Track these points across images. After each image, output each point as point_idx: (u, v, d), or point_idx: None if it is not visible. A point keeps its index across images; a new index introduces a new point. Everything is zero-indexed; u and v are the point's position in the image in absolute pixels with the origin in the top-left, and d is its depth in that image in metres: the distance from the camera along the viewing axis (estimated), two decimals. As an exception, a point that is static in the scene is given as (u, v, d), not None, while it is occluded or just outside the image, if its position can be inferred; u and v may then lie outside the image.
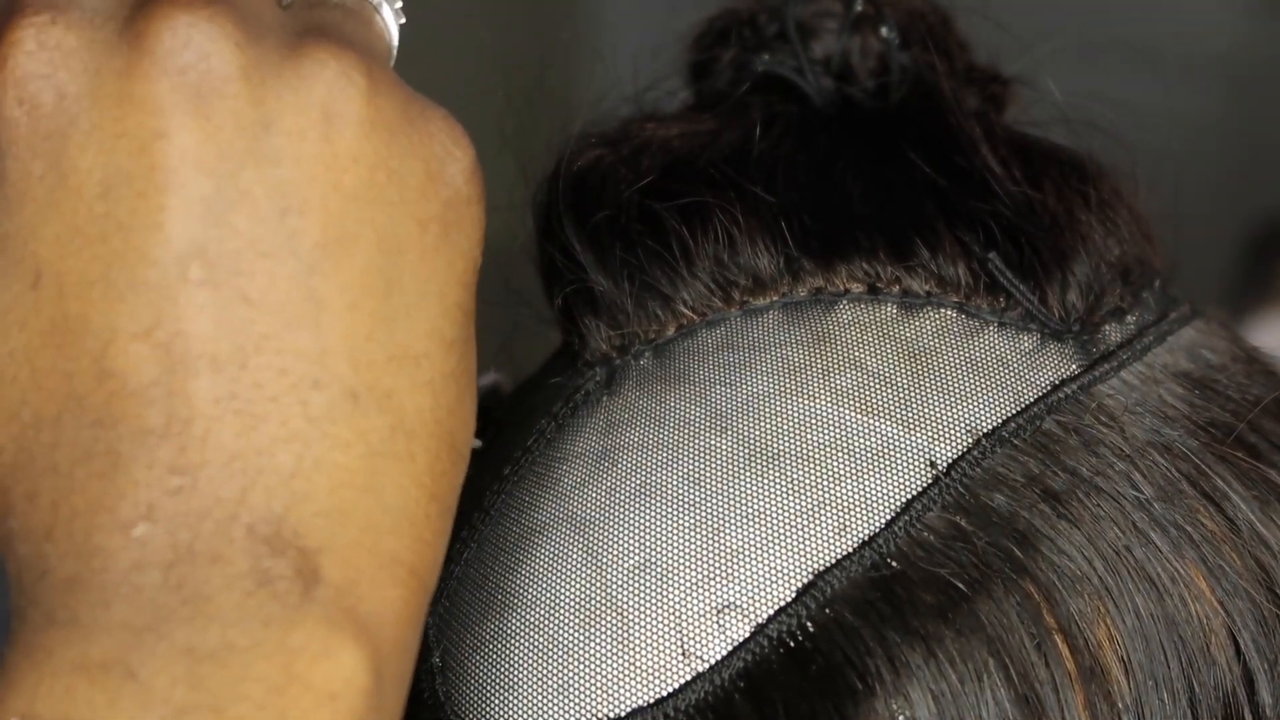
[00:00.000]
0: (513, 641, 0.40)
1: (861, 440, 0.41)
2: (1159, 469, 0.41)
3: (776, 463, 0.40)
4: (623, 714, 0.39)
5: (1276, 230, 1.48)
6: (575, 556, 0.40)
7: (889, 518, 0.39)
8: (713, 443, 0.41)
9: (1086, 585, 0.39)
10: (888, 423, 0.41)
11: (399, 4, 0.39)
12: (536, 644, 0.40)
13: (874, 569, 0.39)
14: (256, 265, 0.33)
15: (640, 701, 0.38)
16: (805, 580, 0.39)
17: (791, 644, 0.38)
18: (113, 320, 0.32)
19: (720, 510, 0.40)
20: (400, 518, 0.34)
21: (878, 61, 0.51)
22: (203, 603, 0.31)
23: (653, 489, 0.41)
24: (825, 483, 0.40)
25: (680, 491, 0.40)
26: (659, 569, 0.40)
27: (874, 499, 0.40)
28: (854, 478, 0.40)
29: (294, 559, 0.32)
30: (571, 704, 0.39)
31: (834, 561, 0.39)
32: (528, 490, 0.43)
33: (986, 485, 0.40)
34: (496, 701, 0.40)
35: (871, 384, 0.41)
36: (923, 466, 0.40)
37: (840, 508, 0.40)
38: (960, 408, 0.41)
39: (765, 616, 0.39)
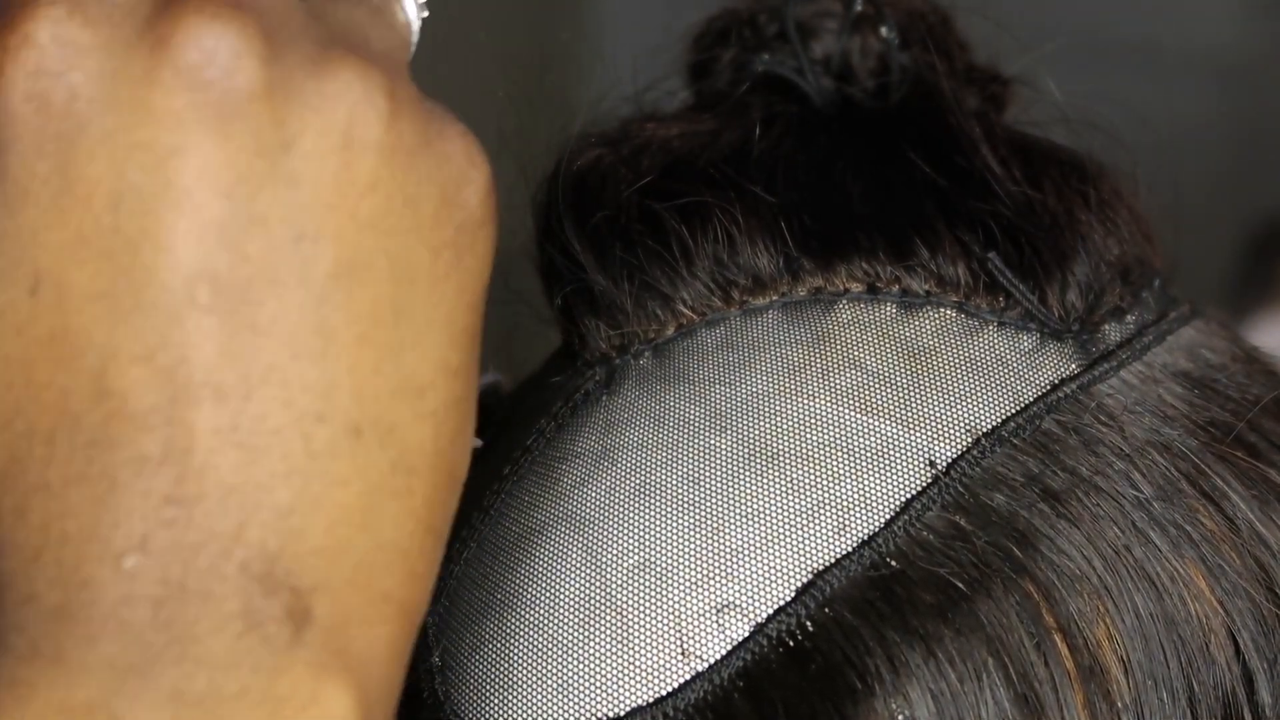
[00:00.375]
0: (512, 641, 0.40)
1: (861, 440, 0.41)
2: (1158, 468, 0.41)
3: (776, 462, 0.40)
4: (622, 713, 0.39)
5: (1276, 230, 1.48)
6: (575, 556, 0.40)
7: (888, 517, 0.40)
8: (712, 442, 0.41)
9: (1086, 585, 0.39)
10: (887, 422, 0.41)
11: None
12: (536, 643, 0.40)
13: (873, 568, 0.39)
14: (266, 293, 0.32)
15: (640, 701, 0.39)
16: (805, 580, 0.39)
17: (791, 643, 0.38)
18: (115, 339, 0.31)
19: (720, 510, 0.40)
20: (394, 554, 0.33)
21: (878, 61, 0.51)
22: (191, 644, 0.31)
23: (652, 488, 0.41)
24: (825, 482, 0.40)
25: (680, 491, 0.40)
26: (658, 568, 0.40)
27: (873, 498, 0.40)
28: (853, 477, 0.40)
29: (285, 599, 0.31)
30: (571, 703, 0.39)
31: (833, 561, 0.39)
32: (527, 490, 0.43)
33: (986, 485, 0.40)
34: (496, 701, 0.40)
35: (871, 384, 0.42)
36: (922, 466, 0.40)
37: (840, 507, 0.40)
38: (960, 407, 0.41)
39: (765, 616, 0.39)
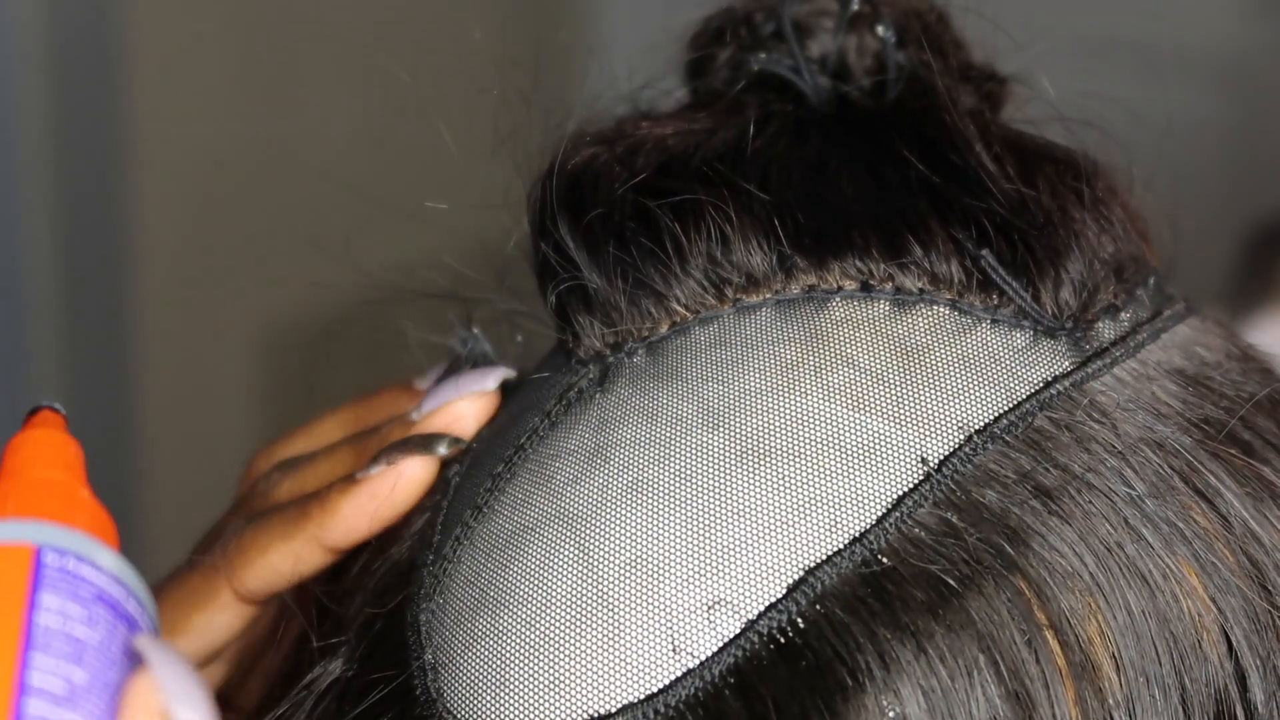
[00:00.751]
0: (504, 638, 0.40)
1: (853, 436, 0.41)
2: (1151, 465, 0.41)
3: (768, 459, 0.40)
4: (613, 710, 0.39)
5: (1276, 230, 1.48)
6: (567, 553, 0.41)
7: (880, 514, 0.40)
8: (704, 440, 0.41)
9: (1078, 582, 0.39)
10: (879, 419, 0.41)
11: None
12: (528, 641, 0.40)
13: (864, 565, 0.39)
14: None
15: (630, 698, 0.38)
16: (796, 576, 0.39)
17: (782, 640, 0.38)
18: None
19: (711, 507, 0.40)
20: None
21: (874, 60, 0.51)
22: None
23: (644, 486, 0.41)
24: (816, 479, 0.40)
25: (671, 488, 0.40)
26: (650, 565, 0.40)
27: (865, 495, 0.40)
28: (845, 474, 0.40)
29: None
30: (562, 700, 0.39)
31: (824, 558, 0.39)
32: (520, 487, 0.43)
33: (978, 482, 0.40)
34: (488, 698, 0.40)
35: (864, 381, 0.42)
36: (914, 463, 0.40)
37: (831, 504, 0.40)
38: (952, 404, 0.41)
39: (755, 613, 0.39)
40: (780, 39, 0.52)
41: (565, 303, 0.45)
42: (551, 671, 0.39)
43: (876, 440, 0.41)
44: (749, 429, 0.41)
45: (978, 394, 0.42)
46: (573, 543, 0.41)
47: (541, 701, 0.39)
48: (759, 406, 0.41)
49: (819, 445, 0.40)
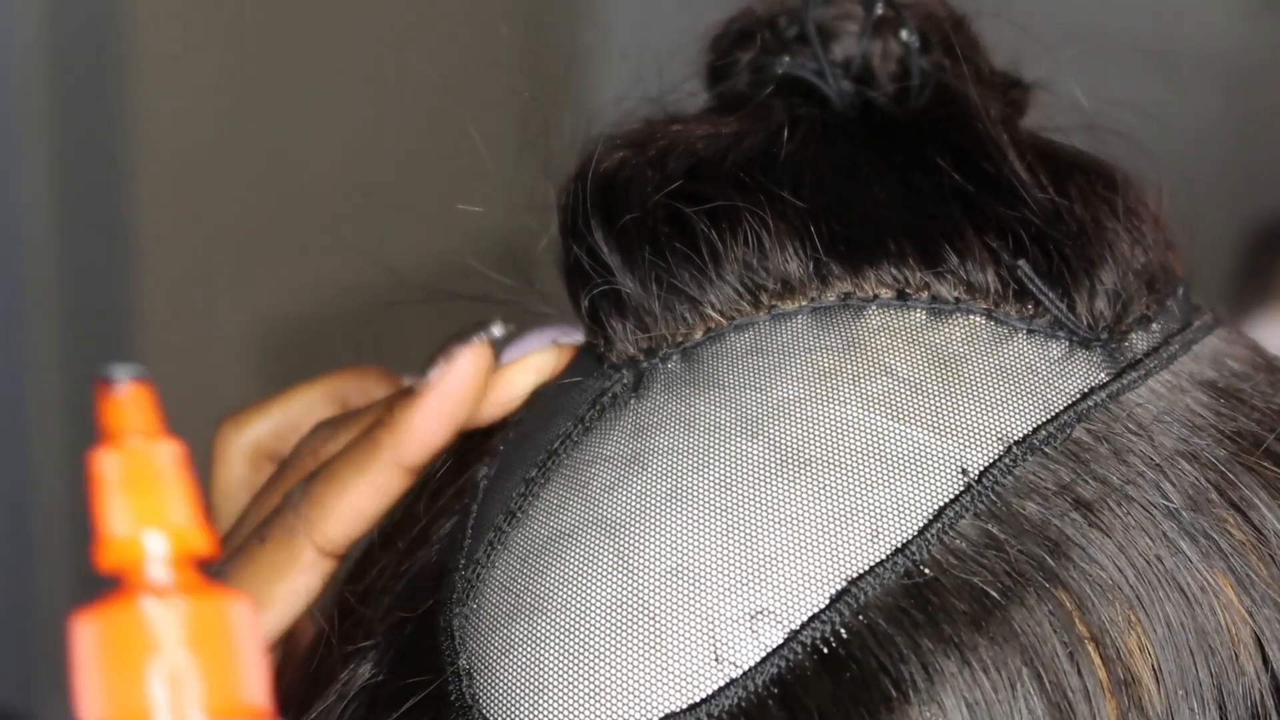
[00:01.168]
0: (543, 645, 0.40)
1: (893, 446, 0.41)
2: (1187, 478, 0.41)
3: (808, 468, 0.40)
4: (654, 719, 0.38)
5: (1276, 230, 1.49)
6: (606, 560, 0.40)
7: (922, 524, 0.39)
8: (743, 448, 0.41)
9: (1118, 594, 0.39)
10: (919, 429, 0.41)
11: None
12: (567, 647, 0.40)
13: (907, 576, 0.39)
14: None
15: (673, 707, 0.38)
16: (839, 586, 0.39)
17: (825, 650, 0.38)
18: None
19: (752, 515, 0.40)
20: None
21: (898, 65, 0.51)
22: None
23: (684, 493, 0.41)
24: (857, 489, 0.40)
25: (712, 496, 0.40)
26: (691, 574, 0.39)
27: (906, 505, 0.40)
28: (886, 484, 0.40)
29: None
30: (603, 708, 0.39)
31: (867, 568, 0.39)
32: (555, 493, 0.43)
33: (1018, 493, 0.40)
34: (526, 705, 0.40)
35: (902, 390, 0.41)
36: (955, 473, 0.40)
37: (873, 514, 0.40)
38: (991, 415, 0.41)
39: (799, 623, 0.38)
40: (803, 42, 0.52)
41: (598, 307, 0.45)
42: (591, 679, 0.39)
43: (917, 450, 0.40)
44: (788, 437, 0.41)
45: (1016, 405, 0.42)
46: (612, 549, 0.40)
47: (581, 709, 0.39)
48: (798, 415, 0.41)
49: (859, 455, 0.40)
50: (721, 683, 0.38)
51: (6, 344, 1.98)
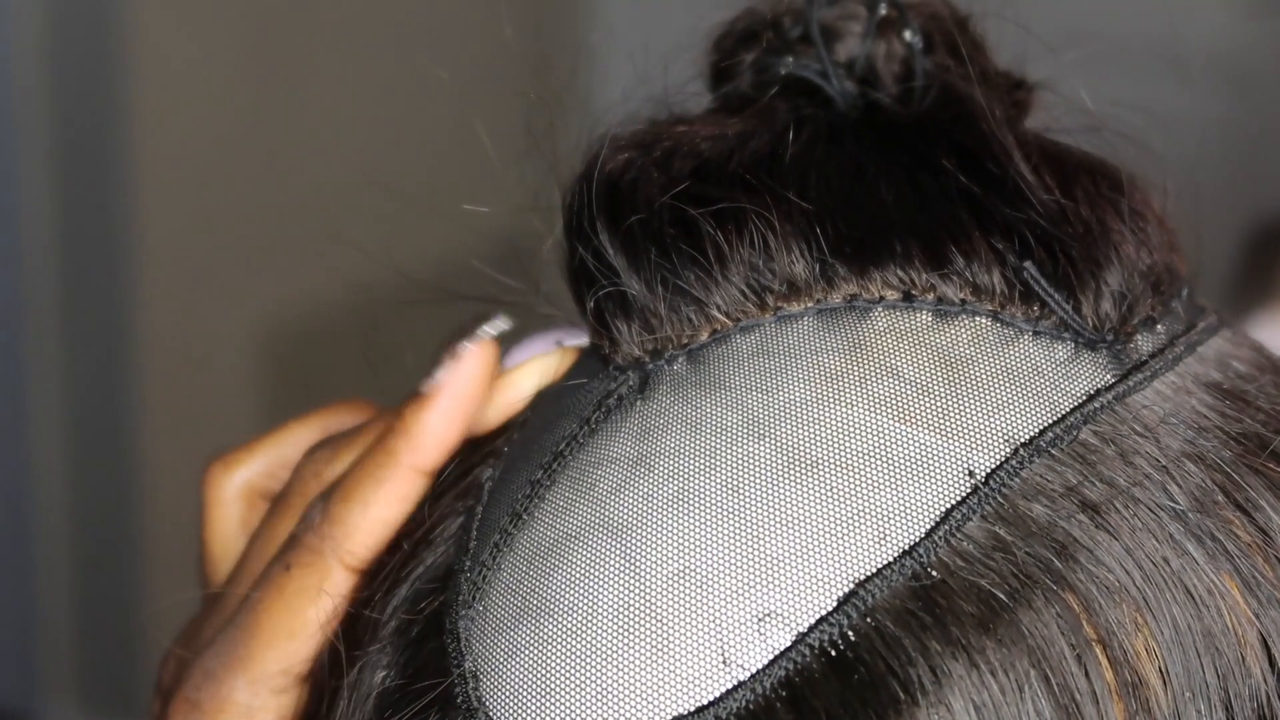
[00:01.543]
0: (549, 647, 0.40)
1: (900, 448, 0.40)
2: (1193, 479, 0.41)
3: (815, 470, 0.40)
4: None
5: (1276, 230, 1.49)
6: (613, 562, 0.40)
7: (929, 527, 0.39)
8: (750, 449, 0.41)
9: (1125, 596, 0.39)
10: (925, 431, 0.41)
11: None
12: (574, 650, 0.40)
13: (915, 578, 0.39)
14: None
15: (680, 709, 0.38)
16: (846, 589, 0.39)
17: (833, 653, 0.38)
18: None
19: (759, 517, 0.40)
20: None
21: (902, 66, 0.51)
22: None
23: (691, 495, 0.41)
24: (864, 491, 0.40)
25: (719, 498, 0.40)
26: (698, 576, 0.39)
27: (913, 508, 0.40)
28: (893, 486, 0.40)
29: None
30: (610, 711, 0.39)
31: (875, 570, 0.39)
32: (561, 495, 0.43)
33: (1025, 495, 0.40)
34: (533, 707, 0.40)
35: (908, 392, 0.41)
36: (961, 475, 0.40)
37: (880, 516, 0.40)
38: (997, 417, 0.41)
39: (807, 625, 0.38)
40: (807, 43, 0.52)
41: (603, 308, 0.45)
42: (598, 682, 0.39)
43: (923, 452, 0.40)
44: (795, 439, 0.41)
45: (1022, 406, 0.41)
46: (618, 552, 0.40)
47: (588, 712, 0.39)
48: (804, 417, 0.41)
49: (866, 457, 0.40)
50: (729, 685, 0.38)
51: (6, 344, 1.98)
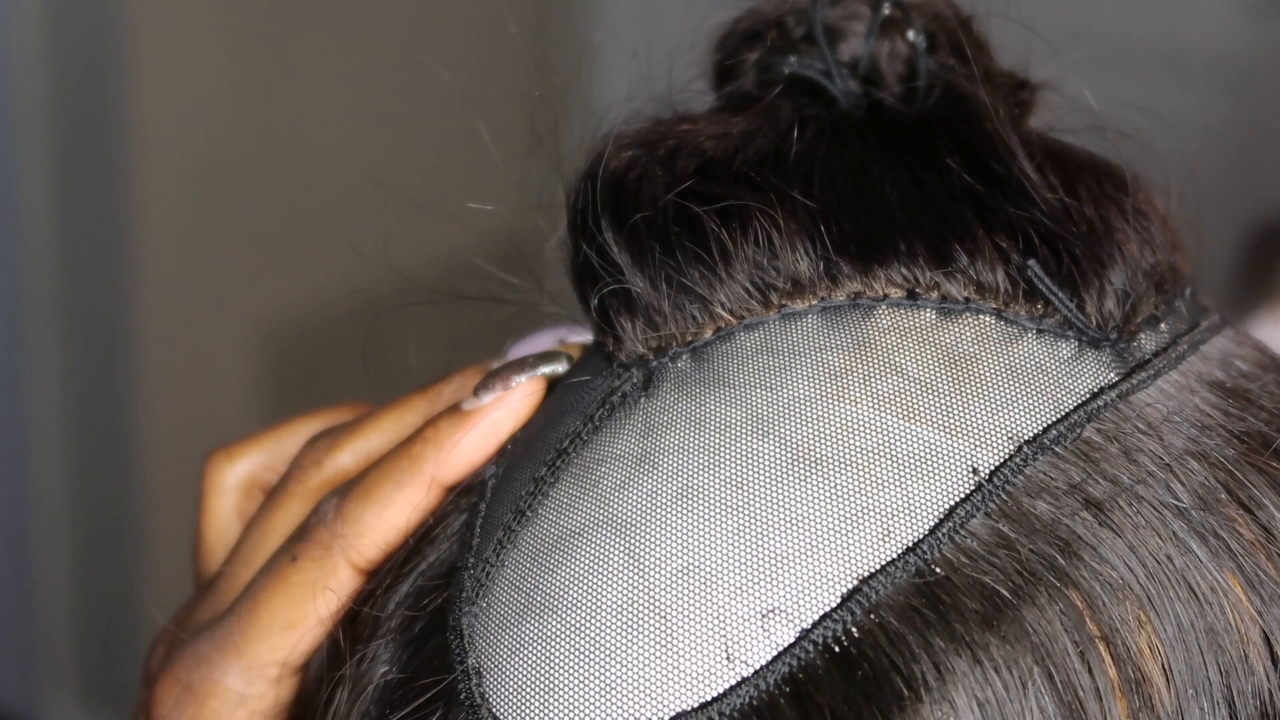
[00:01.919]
0: (552, 644, 0.40)
1: (904, 446, 0.41)
2: (1196, 477, 0.42)
3: (819, 467, 0.40)
4: (666, 717, 0.38)
5: (1276, 230, 1.49)
6: (617, 559, 0.40)
7: (933, 524, 0.39)
8: (754, 447, 0.41)
9: (1129, 594, 0.39)
10: (929, 429, 0.41)
11: None
12: (578, 646, 0.40)
13: (918, 575, 0.39)
14: None
15: (684, 705, 0.38)
16: (850, 585, 0.39)
17: (837, 649, 0.38)
18: None
19: (763, 514, 0.40)
20: None
21: (905, 65, 0.51)
22: None
23: (695, 492, 0.41)
24: (868, 488, 0.40)
25: (723, 495, 0.40)
26: (702, 573, 0.39)
27: (917, 505, 0.40)
28: (897, 483, 0.40)
29: None
30: (613, 707, 0.39)
31: (878, 567, 0.39)
32: (565, 492, 0.43)
33: (1029, 492, 0.40)
34: (536, 703, 0.40)
35: (912, 389, 0.42)
36: (965, 473, 0.40)
37: (884, 513, 0.40)
38: (1001, 414, 0.41)
39: (810, 621, 0.38)
40: (811, 42, 0.52)
41: (607, 306, 0.45)
42: (602, 678, 0.39)
43: (927, 450, 0.41)
44: (799, 436, 0.41)
45: (1026, 404, 0.42)
46: (622, 548, 0.40)
47: (591, 708, 0.39)
48: (809, 414, 0.41)
49: (870, 454, 0.40)
50: (733, 681, 0.38)
51: (7, 344, 1.98)
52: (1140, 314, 0.44)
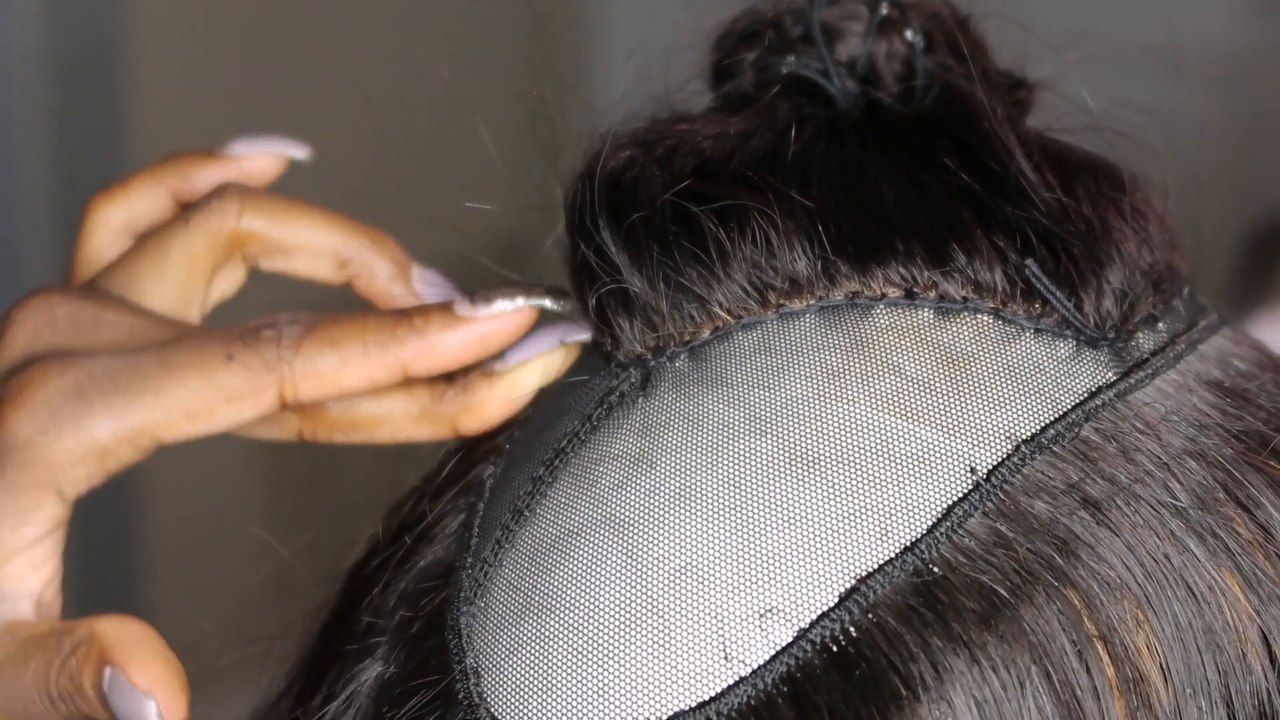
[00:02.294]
0: (551, 643, 0.40)
1: (902, 445, 0.41)
2: (1194, 477, 0.42)
3: (817, 467, 0.40)
4: (664, 717, 0.38)
5: (1276, 230, 1.49)
6: (615, 559, 0.40)
7: (930, 523, 0.40)
8: (752, 446, 0.41)
9: (1126, 593, 0.39)
10: (927, 428, 0.41)
11: None
12: (575, 646, 0.40)
13: (916, 574, 0.39)
14: None
15: (682, 705, 0.38)
16: (848, 585, 0.39)
17: (835, 649, 0.38)
18: None
19: (761, 514, 0.40)
20: None
21: (903, 65, 0.51)
22: None
23: (693, 492, 0.41)
24: (866, 487, 0.40)
25: (721, 495, 0.40)
26: (700, 572, 0.40)
27: (915, 504, 0.40)
28: (895, 483, 0.40)
29: None
30: (611, 706, 0.39)
31: (876, 567, 0.39)
32: (563, 491, 0.43)
33: (1027, 492, 0.40)
34: (534, 703, 0.40)
35: (910, 389, 0.42)
36: (963, 472, 0.40)
37: (882, 513, 0.40)
38: (999, 414, 0.41)
39: (808, 621, 0.39)
40: (808, 42, 0.52)
41: (605, 305, 0.45)
42: (600, 678, 0.39)
43: (925, 449, 0.41)
44: (797, 436, 0.41)
45: (1024, 404, 0.42)
46: (620, 548, 0.40)
47: (589, 707, 0.39)
48: (807, 413, 0.41)
49: (868, 453, 0.40)
50: (731, 681, 0.38)
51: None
52: (1138, 313, 0.44)
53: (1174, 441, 0.42)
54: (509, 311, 0.47)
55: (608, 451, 0.43)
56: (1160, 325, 0.45)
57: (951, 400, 0.41)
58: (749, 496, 0.40)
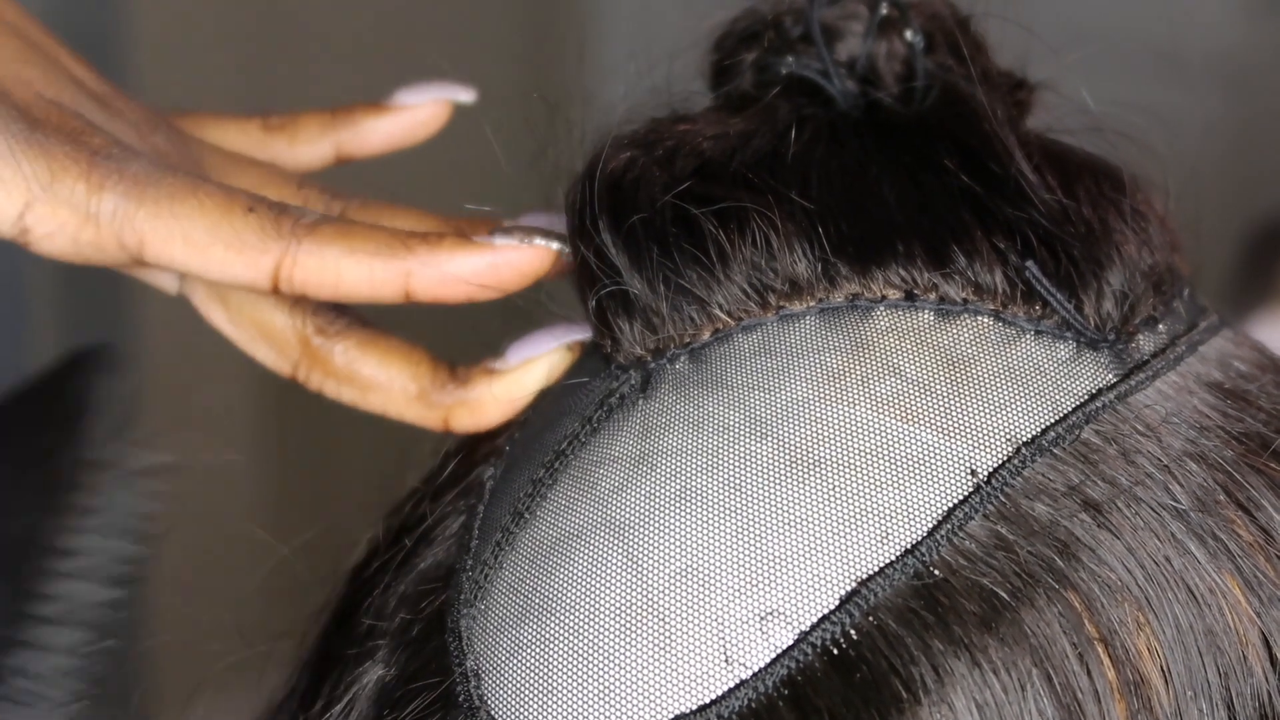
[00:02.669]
0: (551, 646, 0.40)
1: (902, 448, 0.41)
2: (1195, 479, 0.42)
3: (818, 469, 0.40)
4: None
5: (1276, 230, 1.49)
6: (615, 561, 0.40)
7: (931, 526, 0.40)
8: (752, 448, 0.41)
9: (1127, 595, 0.39)
10: (928, 430, 0.41)
11: None
12: (576, 648, 0.40)
13: (917, 577, 0.39)
14: None
15: (682, 708, 0.38)
16: (848, 588, 0.39)
17: (835, 651, 0.38)
18: None
19: (762, 516, 0.40)
20: None
21: (903, 65, 0.51)
22: None
23: (693, 494, 0.41)
24: (867, 490, 0.40)
25: (721, 497, 0.40)
26: (700, 575, 0.39)
27: (916, 507, 0.40)
28: (895, 485, 0.40)
29: None
30: (612, 709, 0.39)
31: (877, 569, 0.39)
32: (563, 494, 0.43)
33: (1027, 494, 0.40)
34: (535, 706, 0.40)
35: (911, 391, 0.42)
36: (964, 475, 0.40)
37: (882, 515, 0.40)
38: (999, 416, 0.41)
39: (809, 624, 0.39)
40: (808, 42, 0.52)
41: (605, 307, 0.45)
42: (600, 680, 0.39)
43: (926, 452, 0.41)
44: (798, 438, 0.41)
45: (1024, 406, 0.42)
46: (621, 551, 0.40)
47: (590, 710, 0.39)
48: (807, 416, 0.41)
49: (869, 456, 0.40)
50: (731, 684, 0.38)
51: (7, 343, 1.98)
52: (1138, 315, 0.44)
53: (1175, 443, 0.42)
54: (523, 246, 0.47)
55: (608, 454, 0.43)
56: (1161, 327, 0.45)
57: (952, 402, 0.41)
58: (749, 499, 0.40)
